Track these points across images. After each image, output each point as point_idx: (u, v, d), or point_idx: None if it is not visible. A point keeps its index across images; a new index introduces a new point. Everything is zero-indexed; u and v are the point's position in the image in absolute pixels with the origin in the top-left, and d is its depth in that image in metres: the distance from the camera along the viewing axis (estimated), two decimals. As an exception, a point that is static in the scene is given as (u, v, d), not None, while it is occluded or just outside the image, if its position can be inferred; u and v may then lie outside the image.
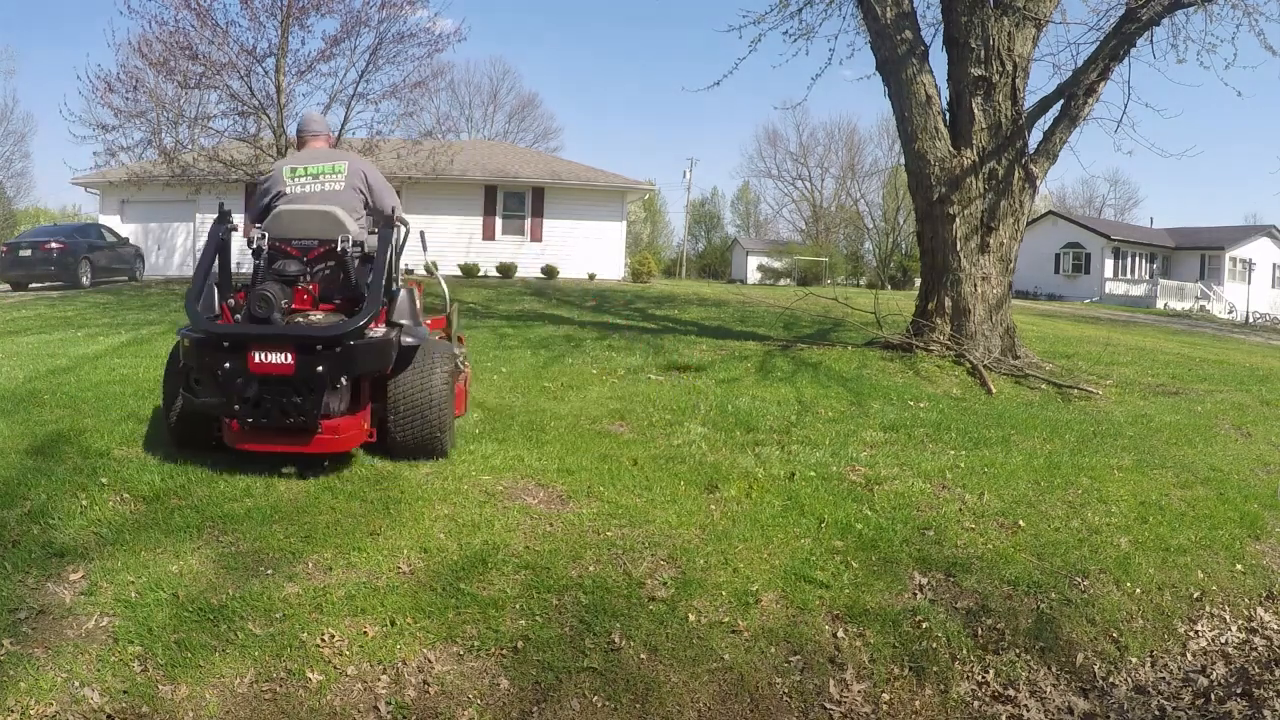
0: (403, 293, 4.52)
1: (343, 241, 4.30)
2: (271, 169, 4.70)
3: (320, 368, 3.90)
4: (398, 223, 4.54)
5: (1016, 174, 8.39)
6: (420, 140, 21.15)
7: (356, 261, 4.35)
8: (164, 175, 19.11)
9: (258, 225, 4.45)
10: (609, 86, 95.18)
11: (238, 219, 4.65)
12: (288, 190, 4.45)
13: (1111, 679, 3.38)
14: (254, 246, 4.35)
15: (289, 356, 3.90)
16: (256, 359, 3.89)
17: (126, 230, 22.39)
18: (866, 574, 3.74)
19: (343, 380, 4.01)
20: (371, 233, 4.49)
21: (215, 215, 4.66)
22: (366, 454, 4.52)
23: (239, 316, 4.23)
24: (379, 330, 4.17)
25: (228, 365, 3.92)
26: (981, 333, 8.45)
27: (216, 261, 4.41)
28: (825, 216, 55.31)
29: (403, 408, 4.32)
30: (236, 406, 3.98)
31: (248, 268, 4.57)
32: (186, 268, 23.36)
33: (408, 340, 4.27)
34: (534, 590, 3.42)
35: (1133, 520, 4.50)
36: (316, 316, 4.25)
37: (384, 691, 2.90)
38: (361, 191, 4.55)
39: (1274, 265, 42.46)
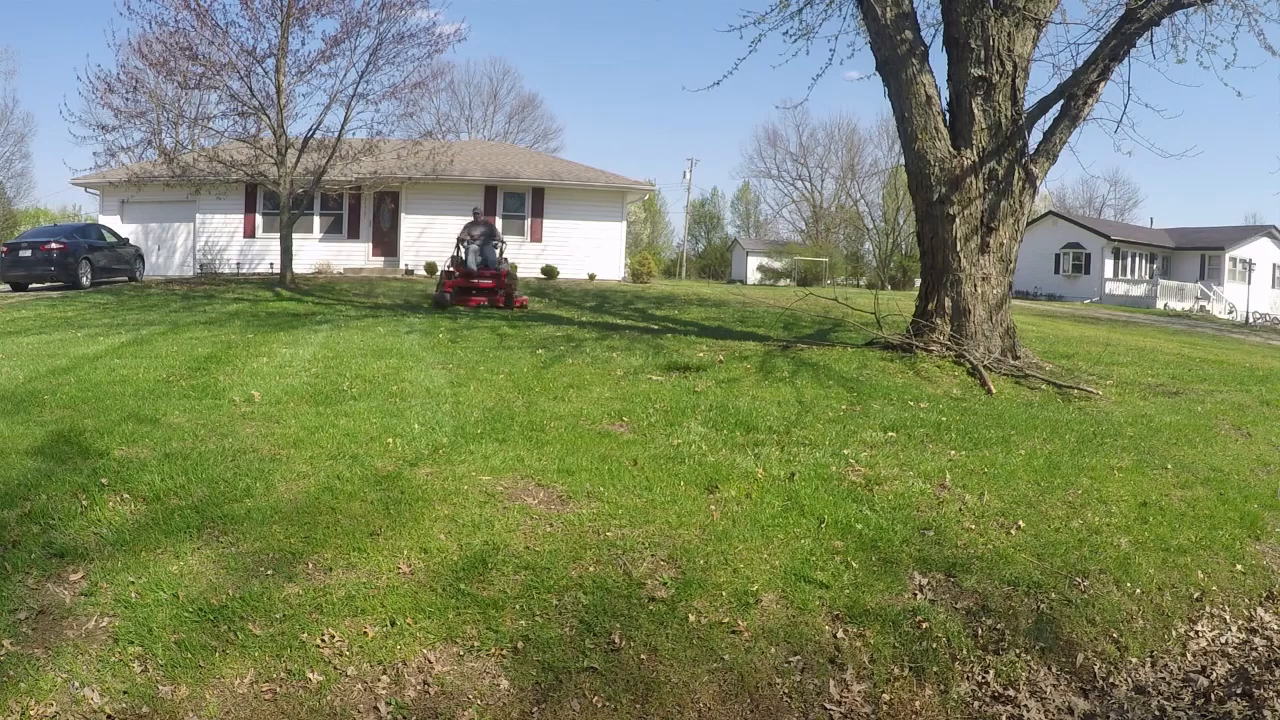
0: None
1: None
2: None
3: None
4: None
5: (1016, 174, 8.38)
6: (420, 140, 21.15)
7: None
8: (164, 175, 19.11)
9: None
10: (609, 87, 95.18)
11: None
12: None
13: (1112, 679, 3.38)
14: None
15: None
16: None
17: (126, 230, 22.38)
18: (866, 574, 3.74)
19: None
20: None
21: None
22: None
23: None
24: None
25: None
26: (981, 333, 8.45)
27: None
28: (825, 217, 55.29)
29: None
30: None
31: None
32: (187, 268, 23.36)
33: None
34: (534, 590, 3.42)
35: (1133, 520, 4.49)
36: None
37: (384, 692, 2.90)
38: None
39: (1274, 265, 42.45)
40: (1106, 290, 36.69)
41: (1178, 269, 41.13)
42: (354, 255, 24.01)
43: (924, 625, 3.44)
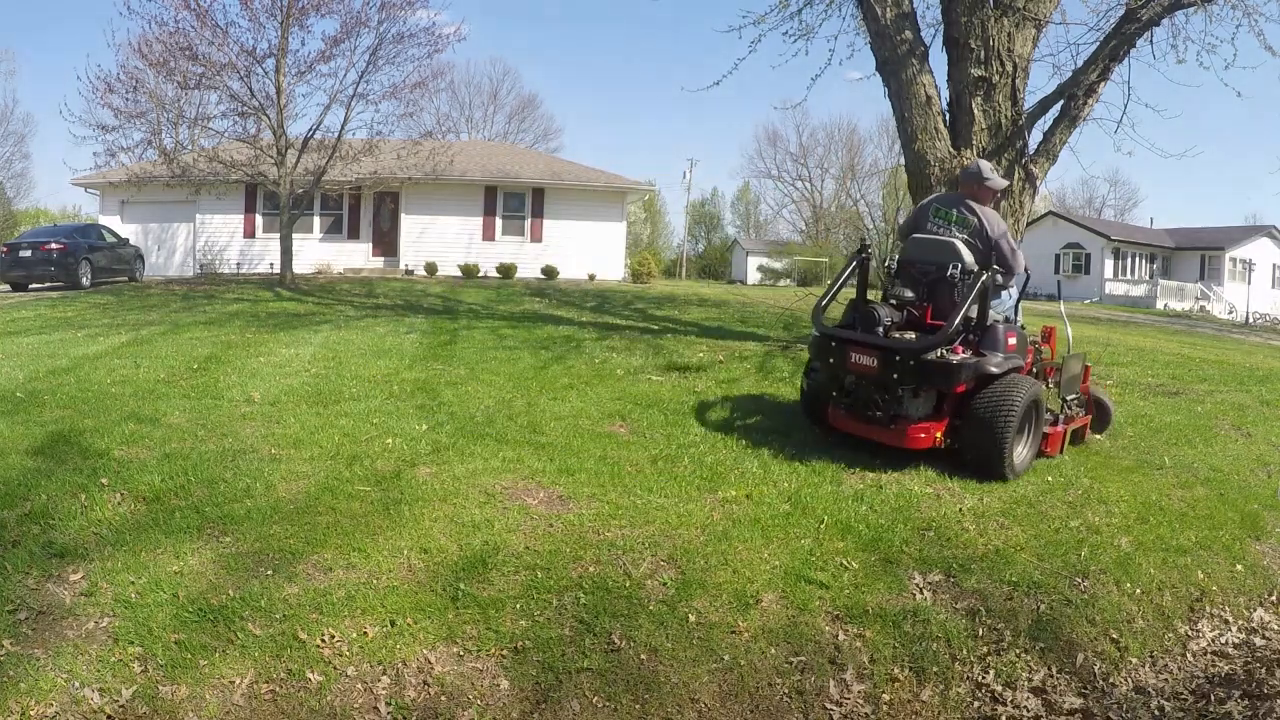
0: (1000, 328, 4.97)
1: (956, 269, 5.03)
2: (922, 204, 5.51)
3: (895, 375, 4.77)
4: (1014, 268, 5.21)
5: (1017, 174, 8.38)
6: (420, 141, 21.15)
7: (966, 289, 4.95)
8: (164, 176, 19.12)
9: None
10: (609, 87, 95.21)
11: None
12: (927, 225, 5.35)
13: (1112, 679, 3.38)
14: (890, 265, 5.43)
15: (875, 361, 4.84)
16: (852, 359, 4.93)
17: (126, 231, 22.38)
18: (866, 574, 3.74)
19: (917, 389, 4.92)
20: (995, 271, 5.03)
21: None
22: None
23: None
24: (957, 355, 4.77)
25: (832, 360, 5.05)
26: (981, 333, 8.45)
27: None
28: (825, 217, 55.34)
29: (972, 425, 4.82)
30: (835, 393, 5.22)
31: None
32: (187, 268, 23.37)
33: (987, 368, 4.77)
34: (534, 590, 3.42)
35: (1133, 520, 4.50)
36: (910, 335, 5.05)
37: (384, 692, 2.90)
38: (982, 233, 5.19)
39: (1274, 265, 42.45)
40: (1106, 290, 36.70)
41: (1178, 269, 41.14)
42: (354, 255, 24.02)
43: (924, 625, 3.44)
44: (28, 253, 17.55)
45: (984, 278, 4.82)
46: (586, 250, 24.20)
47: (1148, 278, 39.08)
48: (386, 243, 24.34)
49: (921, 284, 5.18)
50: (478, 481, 4.41)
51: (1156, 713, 3.23)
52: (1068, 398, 5.56)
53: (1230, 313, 36.53)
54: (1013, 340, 5.01)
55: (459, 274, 22.47)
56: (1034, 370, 5.46)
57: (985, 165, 5.34)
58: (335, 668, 2.95)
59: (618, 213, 25.43)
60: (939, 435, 4.89)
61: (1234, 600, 3.99)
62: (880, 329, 4.99)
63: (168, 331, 9.68)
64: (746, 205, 68.67)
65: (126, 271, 20.04)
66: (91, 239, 19.07)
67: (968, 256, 5.01)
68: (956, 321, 4.71)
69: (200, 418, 5.41)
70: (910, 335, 4.97)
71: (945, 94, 8.66)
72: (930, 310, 5.19)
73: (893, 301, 5.26)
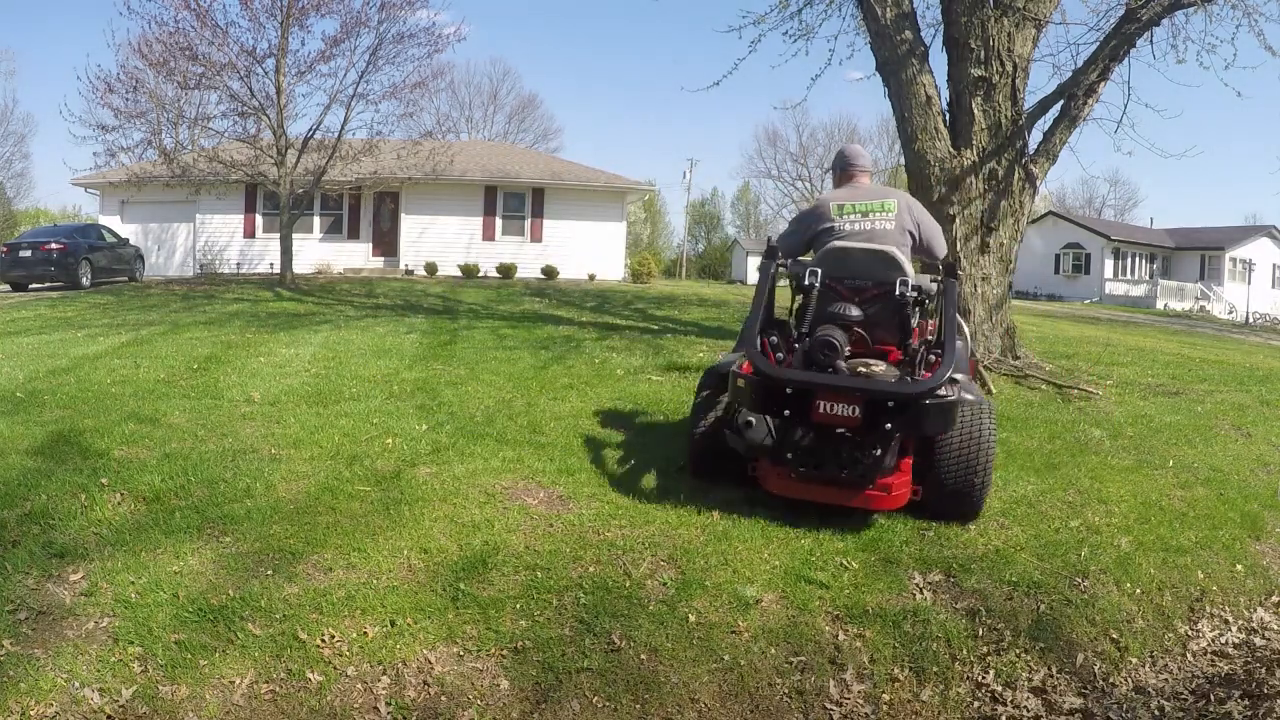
0: (959, 344, 4.07)
1: (900, 285, 4.08)
2: (817, 201, 4.60)
3: (889, 425, 3.70)
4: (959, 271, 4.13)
5: (1016, 174, 8.38)
6: (420, 141, 21.17)
7: (910, 307, 4.15)
8: (164, 176, 19.13)
9: (800, 260, 4.32)
10: (609, 87, 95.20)
11: None
12: (836, 226, 4.31)
13: (1112, 679, 3.38)
14: (806, 283, 4.16)
15: (856, 410, 3.71)
16: (821, 409, 3.74)
17: (126, 231, 22.39)
18: (866, 574, 3.73)
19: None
20: (932, 280, 4.26)
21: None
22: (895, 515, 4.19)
23: (779, 356, 4.11)
24: (949, 391, 3.80)
25: (787, 412, 3.81)
26: (981, 333, 8.45)
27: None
28: (825, 217, 55.25)
29: (949, 467, 4.02)
30: (789, 454, 3.88)
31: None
32: (186, 268, 23.38)
33: (966, 397, 3.96)
34: (534, 590, 3.42)
35: (1133, 520, 4.49)
36: (878, 367, 4.02)
37: (384, 692, 2.90)
38: (911, 233, 4.35)
39: (1274, 265, 42.47)
40: (1106, 290, 36.71)
41: (1178, 269, 41.15)
42: (354, 255, 24.02)
43: (924, 625, 3.44)
44: (28, 253, 17.56)
45: (953, 285, 4.14)
46: (586, 250, 24.20)
47: (1148, 278, 39.10)
48: (386, 243, 24.34)
49: (854, 299, 4.18)
50: (478, 481, 4.41)
51: (1156, 713, 3.23)
52: None
53: (1230, 313, 36.54)
54: (967, 356, 4.27)
55: (459, 274, 22.47)
56: None
57: (856, 147, 4.75)
58: (335, 668, 2.95)
59: (618, 213, 25.44)
60: (916, 487, 4.09)
61: (1234, 600, 3.99)
62: (842, 364, 3.91)
63: (168, 331, 9.68)
64: (746, 205, 68.75)
65: (126, 271, 20.05)
66: (91, 239, 19.08)
67: (909, 267, 4.22)
68: (950, 347, 3.92)
69: (200, 418, 5.41)
70: (878, 368, 4.03)
71: (945, 94, 8.67)
72: (870, 332, 4.23)
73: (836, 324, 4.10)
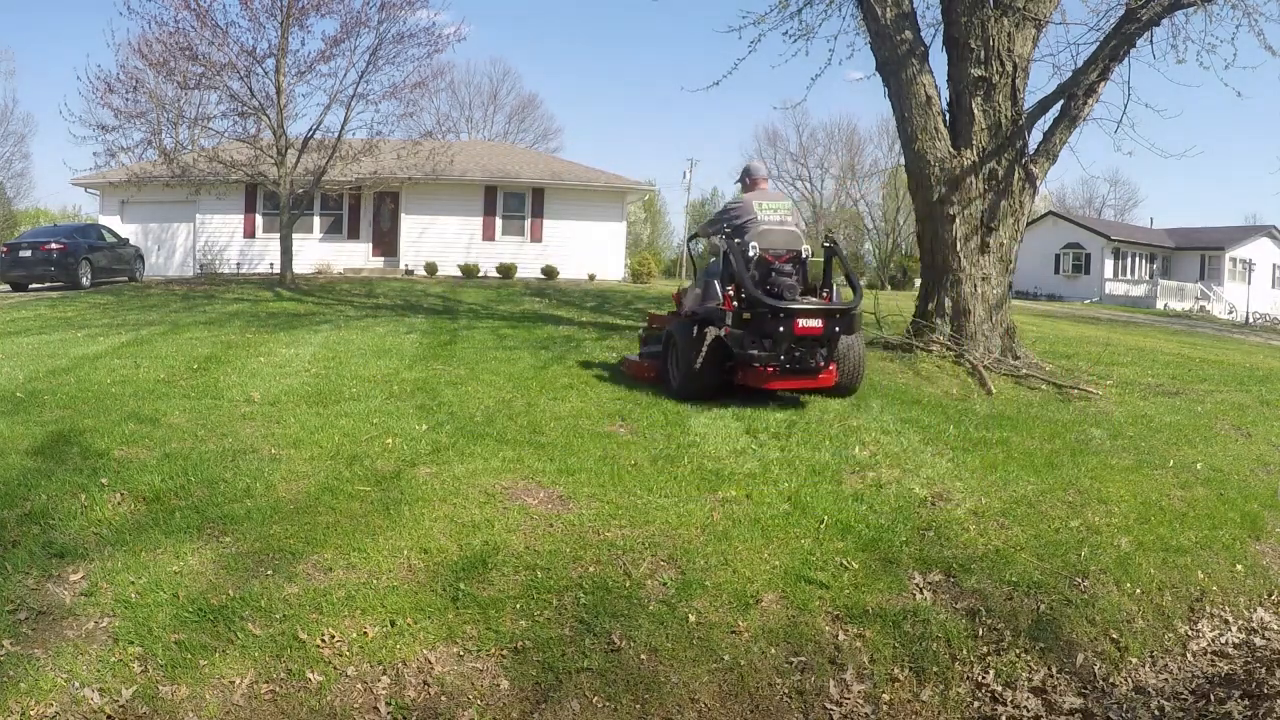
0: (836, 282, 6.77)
1: (805, 251, 6.50)
2: (740, 200, 6.66)
3: (837, 329, 6.10)
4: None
5: (1016, 174, 8.38)
6: (420, 141, 21.14)
7: (806, 263, 6.56)
8: (164, 176, 19.12)
9: (742, 241, 6.38)
10: (609, 86, 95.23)
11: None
12: (759, 218, 6.43)
13: (1112, 679, 3.38)
14: (750, 255, 6.21)
15: (821, 323, 6.03)
16: (800, 325, 5.96)
17: (126, 231, 22.39)
18: (866, 574, 3.74)
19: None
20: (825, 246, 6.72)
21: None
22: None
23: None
24: (859, 307, 6.35)
25: (781, 329, 5.92)
26: (981, 333, 8.45)
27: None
28: (825, 217, 55.33)
29: (850, 358, 6.47)
30: (782, 358, 6.10)
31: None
32: (186, 268, 23.37)
33: (855, 313, 6.26)
34: (534, 590, 3.42)
35: (1133, 520, 4.49)
36: (814, 300, 6.38)
37: (384, 692, 2.90)
38: (798, 221, 6.80)
39: (1274, 265, 42.45)
40: (1106, 290, 36.70)
41: (1178, 269, 41.14)
42: (354, 255, 24.01)
43: (924, 625, 3.44)
44: (28, 253, 17.55)
45: (839, 245, 6.65)
46: (586, 250, 24.18)
47: (1148, 278, 39.09)
48: (386, 243, 24.34)
49: (780, 262, 6.43)
50: (478, 481, 4.41)
51: (1156, 713, 3.23)
52: None
53: (1230, 313, 36.53)
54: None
55: (459, 274, 22.47)
56: None
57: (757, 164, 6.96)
58: (335, 668, 2.95)
59: (618, 213, 25.43)
60: (835, 374, 6.38)
61: (1234, 600, 3.99)
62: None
63: (168, 331, 9.68)
64: (746, 205, 68.62)
65: (126, 271, 20.04)
66: (91, 239, 19.07)
67: (805, 240, 6.60)
68: (860, 286, 6.64)
69: (200, 418, 5.41)
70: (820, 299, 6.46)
71: (945, 94, 8.67)
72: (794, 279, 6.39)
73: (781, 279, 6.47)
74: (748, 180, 6.82)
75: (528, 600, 3.36)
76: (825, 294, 6.49)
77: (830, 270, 6.56)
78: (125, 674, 2.83)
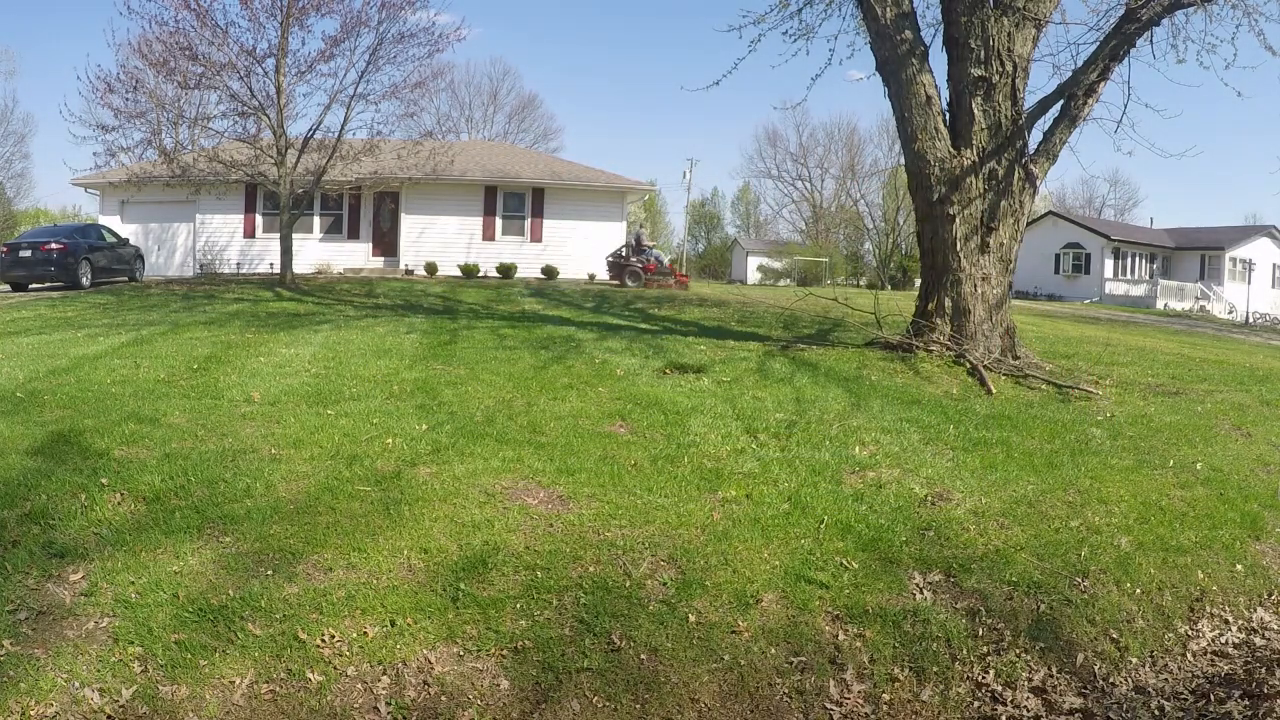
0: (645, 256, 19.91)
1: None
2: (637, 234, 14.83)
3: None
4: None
5: (1016, 174, 8.38)
6: (420, 140, 21.15)
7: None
8: (164, 176, 19.11)
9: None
10: (609, 86, 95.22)
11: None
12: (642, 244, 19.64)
13: (1112, 679, 3.38)
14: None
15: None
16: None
17: (126, 231, 22.37)
18: (866, 574, 3.73)
19: None
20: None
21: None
22: None
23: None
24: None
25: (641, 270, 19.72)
26: (981, 333, 8.45)
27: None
28: (825, 217, 55.32)
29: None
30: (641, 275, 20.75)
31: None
32: (187, 268, 23.36)
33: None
34: (534, 590, 3.42)
35: (1133, 520, 4.49)
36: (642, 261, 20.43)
37: (384, 692, 2.90)
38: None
39: (1274, 265, 42.43)
40: (1106, 290, 36.68)
41: (1178, 269, 41.13)
42: (354, 255, 24.00)
43: (924, 625, 3.44)
44: (28, 253, 17.53)
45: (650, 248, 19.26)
46: (586, 250, 24.17)
47: (1148, 278, 39.06)
48: (386, 243, 24.33)
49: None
50: (478, 481, 4.41)
51: (1156, 712, 3.23)
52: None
53: (1230, 313, 36.52)
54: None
55: (459, 274, 22.46)
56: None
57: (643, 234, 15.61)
58: (335, 668, 2.95)
59: (618, 213, 25.42)
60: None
61: (1234, 600, 3.99)
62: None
63: (168, 331, 9.68)
64: (746, 205, 68.73)
65: (126, 271, 20.03)
66: (91, 239, 19.05)
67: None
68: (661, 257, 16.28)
69: (200, 418, 5.41)
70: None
71: (945, 94, 8.66)
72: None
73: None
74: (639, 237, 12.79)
75: (528, 600, 3.36)
76: None
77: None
78: (125, 674, 2.83)
